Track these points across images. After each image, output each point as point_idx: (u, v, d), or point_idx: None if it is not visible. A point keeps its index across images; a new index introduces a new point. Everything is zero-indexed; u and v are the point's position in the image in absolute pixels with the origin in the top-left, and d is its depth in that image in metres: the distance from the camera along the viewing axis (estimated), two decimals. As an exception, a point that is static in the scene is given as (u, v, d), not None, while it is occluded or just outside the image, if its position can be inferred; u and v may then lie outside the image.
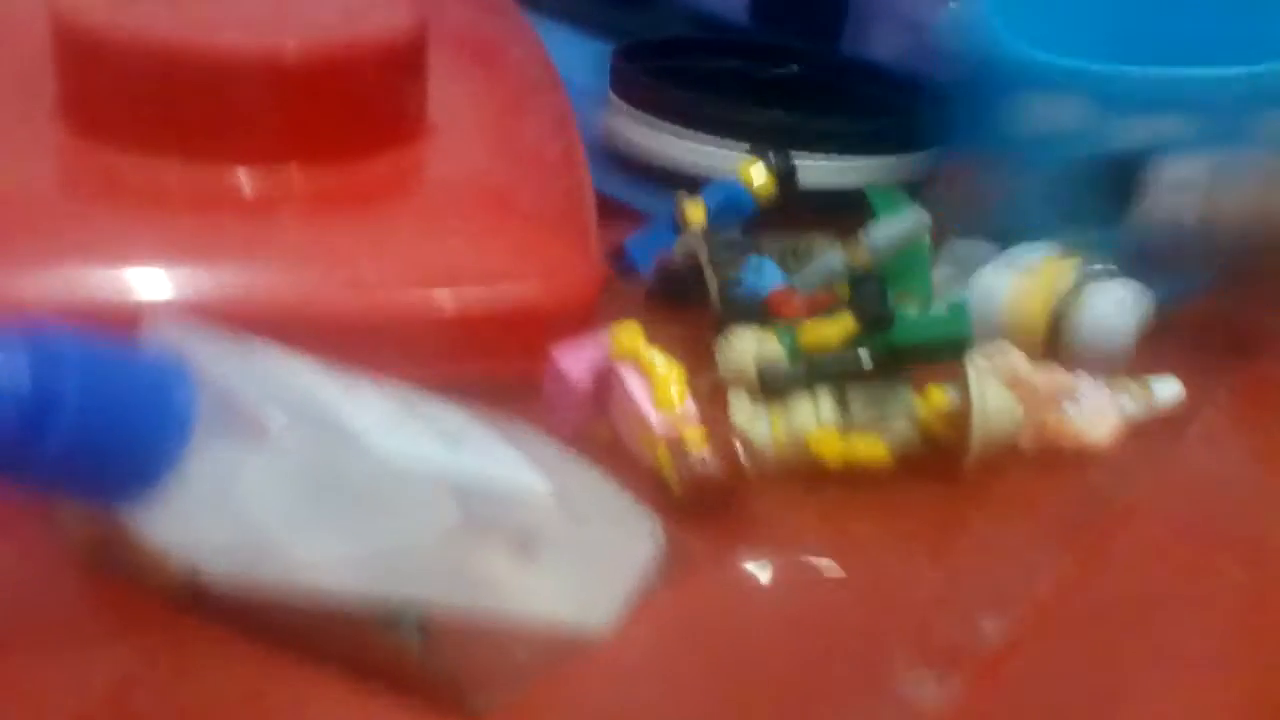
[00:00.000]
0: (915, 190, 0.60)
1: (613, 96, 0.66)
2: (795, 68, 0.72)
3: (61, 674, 0.32)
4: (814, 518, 0.43)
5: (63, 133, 0.48)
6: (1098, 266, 0.51)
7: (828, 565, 0.40)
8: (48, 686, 0.31)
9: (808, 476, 0.44)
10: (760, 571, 0.40)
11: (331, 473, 0.31)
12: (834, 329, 0.47)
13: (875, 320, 0.46)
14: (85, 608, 0.34)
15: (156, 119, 0.47)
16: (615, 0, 0.82)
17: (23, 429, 0.27)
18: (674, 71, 0.68)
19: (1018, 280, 0.50)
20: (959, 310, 0.47)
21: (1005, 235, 0.56)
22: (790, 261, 0.54)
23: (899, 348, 0.46)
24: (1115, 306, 0.49)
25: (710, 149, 0.62)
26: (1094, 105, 0.54)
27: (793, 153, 0.57)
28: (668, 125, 0.64)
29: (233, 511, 0.30)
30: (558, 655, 0.35)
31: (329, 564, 0.31)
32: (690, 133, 0.63)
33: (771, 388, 0.45)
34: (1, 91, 0.51)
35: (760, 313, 0.50)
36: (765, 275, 0.51)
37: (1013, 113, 0.55)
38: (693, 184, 0.59)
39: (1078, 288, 0.50)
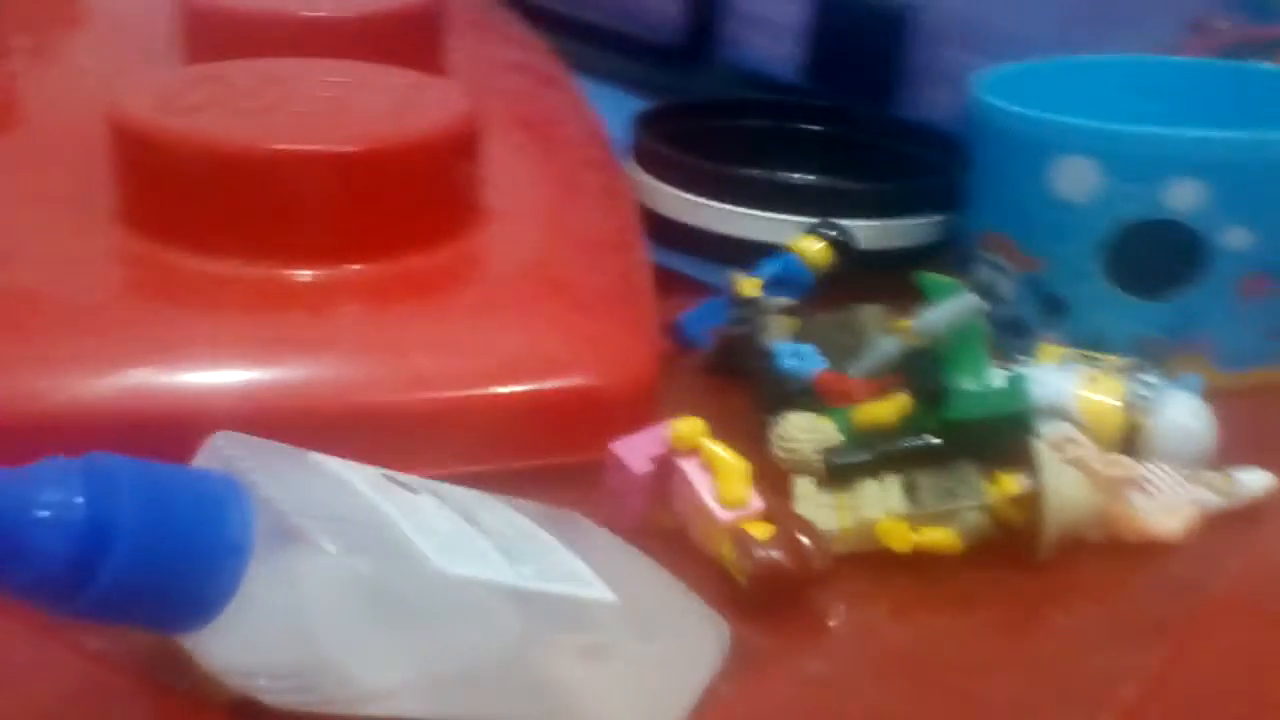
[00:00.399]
0: (965, 258, 0.59)
1: (631, 162, 0.66)
2: (821, 127, 0.71)
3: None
4: (885, 611, 0.42)
5: (121, 235, 0.49)
6: (1152, 375, 0.50)
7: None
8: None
9: (876, 567, 0.43)
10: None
11: (392, 593, 0.30)
12: (889, 408, 0.46)
13: (931, 395, 0.46)
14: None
15: (213, 220, 0.47)
16: (666, 61, 0.82)
17: (76, 560, 0.27)
18: (703, 133, 0.67)
19: (1083, 390, 0.49)
20: (1017, 383, 0.45)
21: (1055, 307, 0.55)
22: (844, 337, 0.53)
23: (958, 424, 0.45)
24: (1192, 415, 0.48)
25: (735, 214, 0.61)
26: (1108, 168, 0.52)
27: (832, 219, 0.57)
28: (675, 190, 0.63)
29: (291, 635, 0.29)
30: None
31: (392, 687, 0.30)
32: (700, 198, 0.62)
33: (838, 476, 0.44)
34: (61, 195, 0.51)
35: (808, 395, 0.49)
36: (805, 360, 0.51)
37: (1032, 179, 0.54)
38: (719, 249, 0.60)
39: (1148, 399, 0.49)
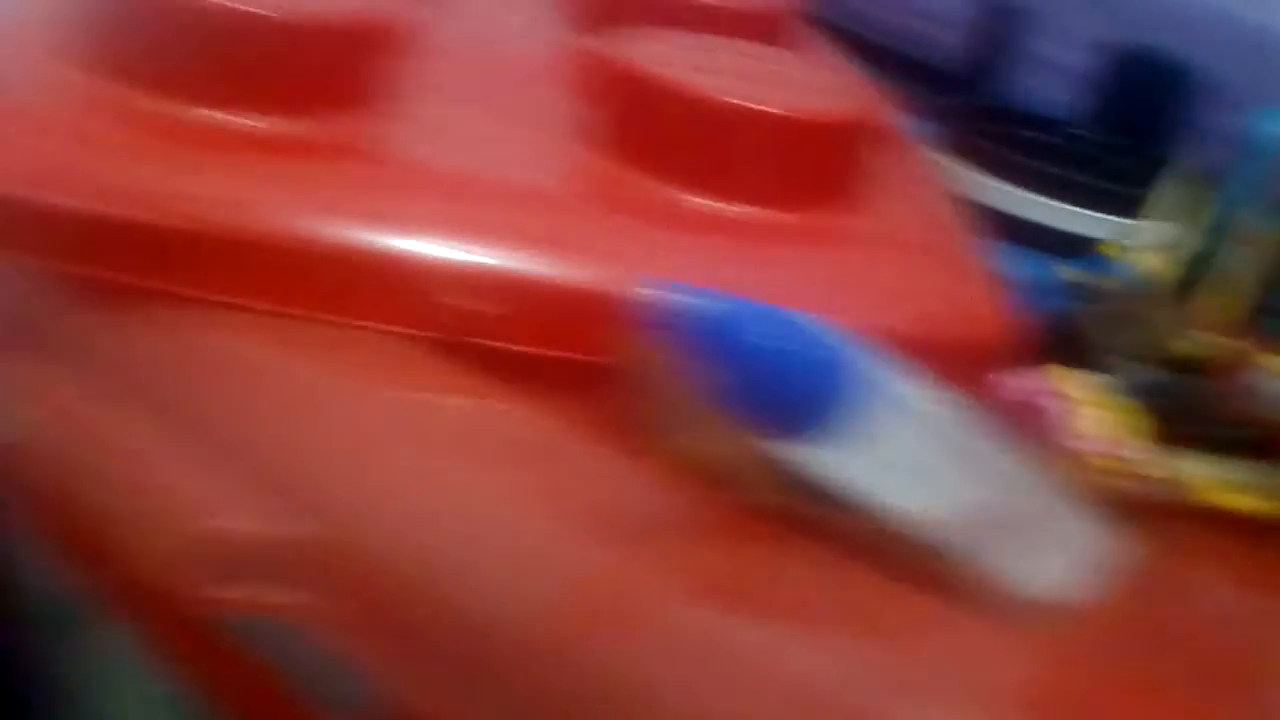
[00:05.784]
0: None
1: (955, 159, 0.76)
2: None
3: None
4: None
5: (582, 149, 0.59)
6: None
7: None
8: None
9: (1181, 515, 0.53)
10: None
11: (946, 446, 0.41)
12: None
13: None
14: (700, 514, 0.44)
15: (675, 154, 0.58)
16: (940, 90, 0.92)
17: (802, 393, 0.38)
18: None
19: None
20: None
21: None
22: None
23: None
24: None
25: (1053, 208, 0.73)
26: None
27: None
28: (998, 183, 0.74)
29: (869, 455, 0.40)
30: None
31: (919, 508, 0.41)
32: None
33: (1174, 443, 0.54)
34: (532, 111, 0.63)
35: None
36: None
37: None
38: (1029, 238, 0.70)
39: None
